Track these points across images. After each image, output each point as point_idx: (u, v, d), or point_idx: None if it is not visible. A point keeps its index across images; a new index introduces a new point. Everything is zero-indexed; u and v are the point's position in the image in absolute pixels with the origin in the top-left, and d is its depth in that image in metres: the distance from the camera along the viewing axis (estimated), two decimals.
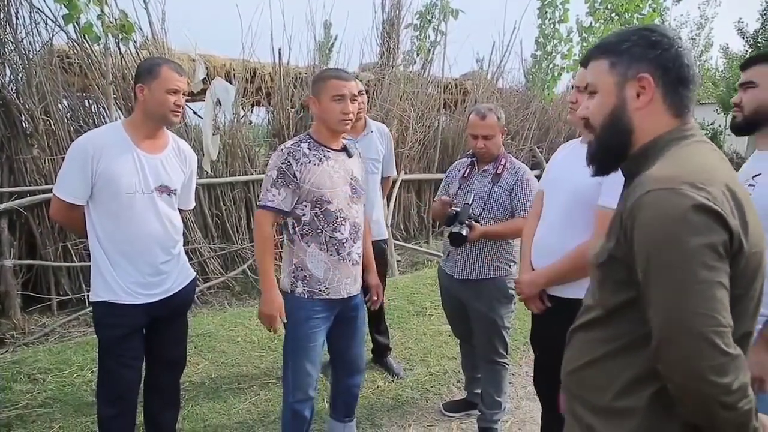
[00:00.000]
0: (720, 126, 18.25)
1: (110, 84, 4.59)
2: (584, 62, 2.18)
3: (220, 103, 5.15)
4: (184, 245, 5.35)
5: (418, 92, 7.42)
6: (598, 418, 1.19)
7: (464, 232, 2.65)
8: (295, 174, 2.28)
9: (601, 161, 1.29)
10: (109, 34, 4.54)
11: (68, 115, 4.88)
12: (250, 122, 6.05)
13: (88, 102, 5.00)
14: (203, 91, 5.45)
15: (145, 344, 2.42)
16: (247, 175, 5.72)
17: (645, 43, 1.19)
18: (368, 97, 6.92)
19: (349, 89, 2.32)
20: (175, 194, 2.39)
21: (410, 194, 7.52)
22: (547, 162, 9.00)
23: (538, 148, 9.34)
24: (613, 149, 1.25)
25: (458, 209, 2.74)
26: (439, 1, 7.92)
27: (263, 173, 5.84)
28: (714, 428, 1.03)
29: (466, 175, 2.95)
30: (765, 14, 23.07)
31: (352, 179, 2.44)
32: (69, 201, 2.20)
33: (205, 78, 5.64)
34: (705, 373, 0.97)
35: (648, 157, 1.18)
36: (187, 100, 5.99)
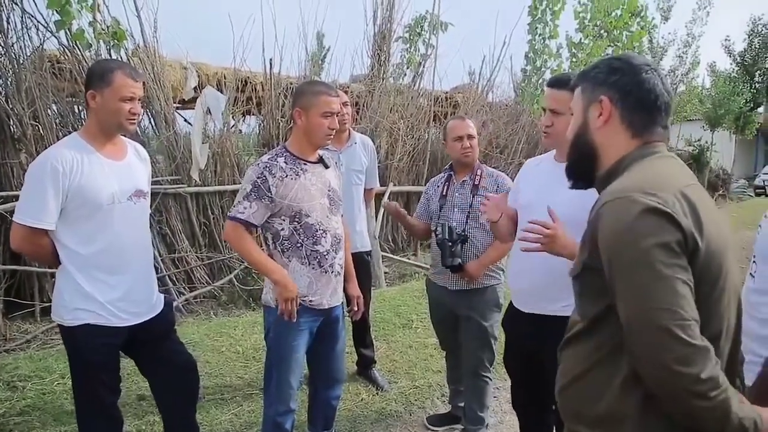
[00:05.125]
0: (707, 142, 18.45)
1: None
2: (552, 84, 2.22)
3: (210, 112, 5.16)
4: (170, 253, 5.39)
5: (408, 104, 7.47)
6: (595, 430, 1.21)
7: (458, 263, 2.73)
8: (270, 188, 2.28)
9: (574, 175, 1.42)
10: (101, 41, 4.55)
11: (57, 121, 4.86)
12: (240, 131, 6.06)
13: (78, 108, 4.99)
14: (194, 99, 5.48)
15: (146, 369, 2.39)
16: (235, 184, 5.72)
17: (607, 70, 1.31)
18: (359, 109, 6.97)
19: (337, 105, 2.34)
20: (147, 197, 2.33)
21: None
22: None
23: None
24: (581, 163, 1.37)
25: (442, 236, 2.78)
26: (429, 14, 8.01)
27: None
28: (695, 421, 1.07)
29: (445, 192, 3.00)
30: (751, 34, 23.51)
31: (329, 190, 2.45)
32: (38, 227, 2.03)
33: (196, 86, 5.68)
34: (670, 364, 1.02)
35: (611, 177, 1.27)
36: (177, 108, 6.02)
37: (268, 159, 2.35)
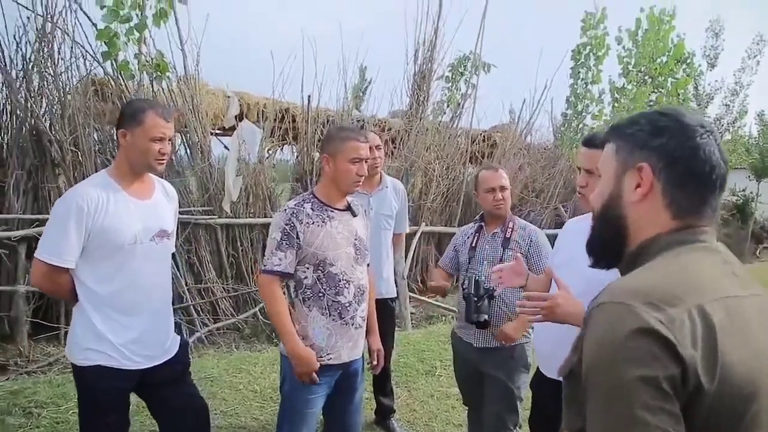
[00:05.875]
0: (752, 193, 17.88)
1: None
2: (587, 143, 2.12)
3: (246, 144, 5.20)
4: (197, 283, 5.38)
5: (445, 144, 7.42)
6: None
7: (483, 319, 2.58)
8: (298, 235, 2.23)
9: (597, 253, 1.15)
10: (144, 72, 4.64)
11: (97, 148, 4.96)
12: (273, 165, 6.08)
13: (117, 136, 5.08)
14: (234, 127, 5.55)
15: (156, 412, 2.34)
16: (267, 217, 5.72)
17: (650, 129, 1.03)
18: (396, 146, 6.96)
19: (366, 151, 2.28)
20: (170, 237, 2.31)
21: (430, 246, 7.44)
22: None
23: (563, 206, 9.22)
24: (607, 243, 1.10)
25: (468, 290, 2.65)
26: (473, 54, 8.02)
27: None
28: None
29: (474, 244, 2.89)
30: None
31: (356, 239, 2.38)
32: (59, 264, 2.02)
33: (237, 114, 5.76)
34: None
35: (637, 261, 1.02)
36: (217, 134, 6.05)
37: (295, 205, 2.30)
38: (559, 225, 8.83)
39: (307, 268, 2.27)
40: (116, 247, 2.08)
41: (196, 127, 5.04)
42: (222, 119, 5.79)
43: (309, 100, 6.05)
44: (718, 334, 0.85)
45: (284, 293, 2.40)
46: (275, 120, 6.08)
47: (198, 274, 5.33)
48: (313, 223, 2.26)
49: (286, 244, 2.23)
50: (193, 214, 5.16)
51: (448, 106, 8.14)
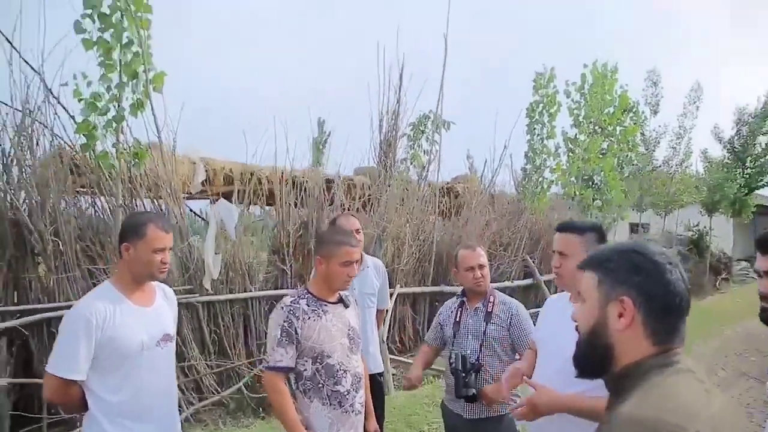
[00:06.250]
0: (705, 227, 18.75)
1: (119, 207, 4.76)
2: (561, 228, 2.38)
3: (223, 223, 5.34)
4: (180, 362, 5.38)
5: (414, 208, 7.69)
6: None
7: (472, 393, 2.76)
8: (296, 330, 2.39)
9: (584, 369, 1.32)
10: (122, 160, 4.77)
11: (77, 234, 5.01)
12: (252, 236, 6.21)
13: (96, 221, 5.15)
14: (202, 192, 5.66)
15: None
16: (246, 291, 5.81)
17: (628, 266, 1.22)
18: (364, 203, 7.18)
19: (357, 254, 2.49)
20: (172, 340, 2.41)
21: (405, 306, 7.61)
22: (539, 272, 9.14)
23: (531, 257, 9.55)
24: (593, 361, 1.28)
25: (455, 366, 2.83)
26: (432, 113, 8.46)
27: (262, 290, 6.00)
28: None
29: (458, 319, 3.07)
30: (738, 122, 24.49)
31: (349, 330, 2.55)
32: (71, 378, 2.10)
33: (204, 180, 5.87)
34: None
35: (627, 381, 1.20)
36: (186, 198, 6.07)
37: (291, 302, 2.47)
38: (528, 275, 9.16)
39: (306, 361, 2.43)
40: (124, 355, 2.18)
41: (175, 211, 5.17)
42: (188, 185, 5.89)
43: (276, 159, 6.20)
44: None
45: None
46: (243, 183, 6.25)
47: (181, 353, 5.35)
48: (309, 318, 2.43)
49: (286, 340, 2.38)
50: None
51: (411, 163, 8.50)
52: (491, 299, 3.05)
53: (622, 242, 1.36)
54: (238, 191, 6.07)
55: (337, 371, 2.44)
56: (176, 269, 5.31)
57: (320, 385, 2.42)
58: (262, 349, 5.75)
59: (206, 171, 6.07)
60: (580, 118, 10.95)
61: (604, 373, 1.27)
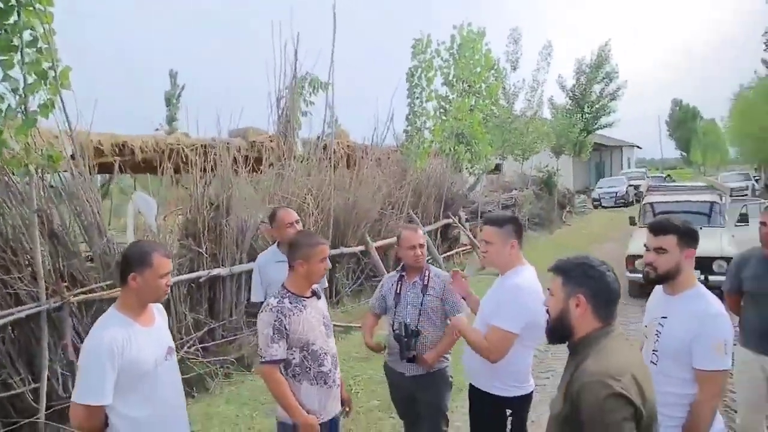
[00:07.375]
0: (553, 168, 21.08)
1: (34, 212, 4.58)
2: (488, 222, 3.15)
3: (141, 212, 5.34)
4: None
5: (311, 174, 8.05)
6: None
7: (413, 355, 3.31)
8: (286, 327, 2.78)
9: (553, 338, 2.01)
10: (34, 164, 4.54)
11: None
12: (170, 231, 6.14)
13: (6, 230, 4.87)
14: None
15: None
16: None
17: (583, 273, 1.90)
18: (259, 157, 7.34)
19: (327, 250, 2.96)
20: (174, 351, 2.64)
21: None
22: (421, 222, 9.97)
23: (414, 211, 10.39)
24: (560, 334, 1.98)
25: (399, 332, 3.35)
26: (308, 75, 8.88)
27: (180, 274, 5.98)
28: None
29: (399, 291, 3.56)
30: (578, 73, 27.52)
31: (324, 318, 3.00)
32: (101, 404, 2.24)
33: (73, 154, 5.54)
34: None
35: (585, 346, 1.87)
36: (47, 172, 5.63)
37: (277, 303, 2.84)
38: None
39: (294, 351, 2.83)
40: (144, 373, 2.38)
41: (92, 209, 5.03)
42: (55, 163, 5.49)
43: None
44: (644, 387, 1.73)
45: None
46: (114, 154, 6.12)
47: None
48: (293, 314, 2.82)
49: (278, 336, 2.77)
50: (95, 291, 5.09)
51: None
52: (427, 273, 3.53)
53: (578, 256, 2.00)
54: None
55: (320, 355, 2.88)
56: (100, 267, 5.19)
57: (308, 369, 2.85)
58: (183, 332, 5.86)
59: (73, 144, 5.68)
60: (450, 77, 11.78)
61: (566, 341, 1.96)
